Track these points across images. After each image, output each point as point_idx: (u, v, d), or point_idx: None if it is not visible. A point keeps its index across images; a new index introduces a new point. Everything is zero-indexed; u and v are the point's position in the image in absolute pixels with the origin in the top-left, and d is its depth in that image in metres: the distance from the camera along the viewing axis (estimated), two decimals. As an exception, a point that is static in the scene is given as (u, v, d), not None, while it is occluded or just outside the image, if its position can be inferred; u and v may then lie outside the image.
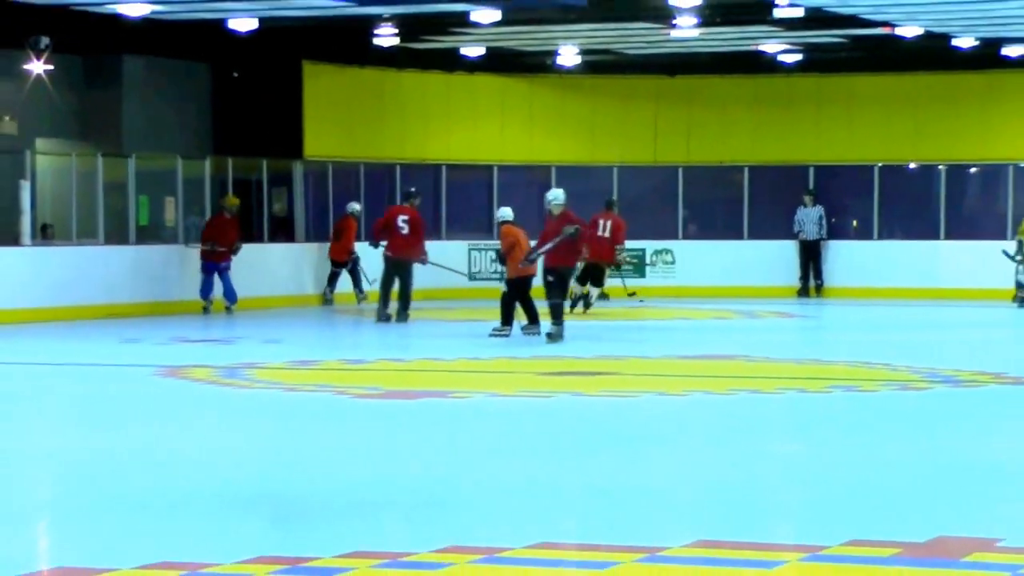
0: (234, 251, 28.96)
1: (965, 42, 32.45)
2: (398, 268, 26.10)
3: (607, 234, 29.39)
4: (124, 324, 26.08)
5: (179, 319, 27.28)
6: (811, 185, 35.90)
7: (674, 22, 29.03)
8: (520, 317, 23.35)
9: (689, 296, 34.60)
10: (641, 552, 8.79)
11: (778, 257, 35.36)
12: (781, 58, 34.73)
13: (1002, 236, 33.69)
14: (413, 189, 27.57)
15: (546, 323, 22.88)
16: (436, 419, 15.33)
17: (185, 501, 10.60)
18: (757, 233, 36.04)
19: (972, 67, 35.09)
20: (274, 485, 11.29)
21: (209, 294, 28.85)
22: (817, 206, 35.37)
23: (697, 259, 35.86)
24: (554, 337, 22.44)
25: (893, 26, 30.56)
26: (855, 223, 36.82)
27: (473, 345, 22.71)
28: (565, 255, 23.04)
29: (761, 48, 33.85)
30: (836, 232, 36.21)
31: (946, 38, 32.01)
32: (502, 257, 24.24)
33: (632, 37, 32.60)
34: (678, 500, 10.82)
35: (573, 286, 28.44)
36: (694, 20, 28.70)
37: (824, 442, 13.58)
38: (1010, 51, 33.58)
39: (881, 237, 35.88)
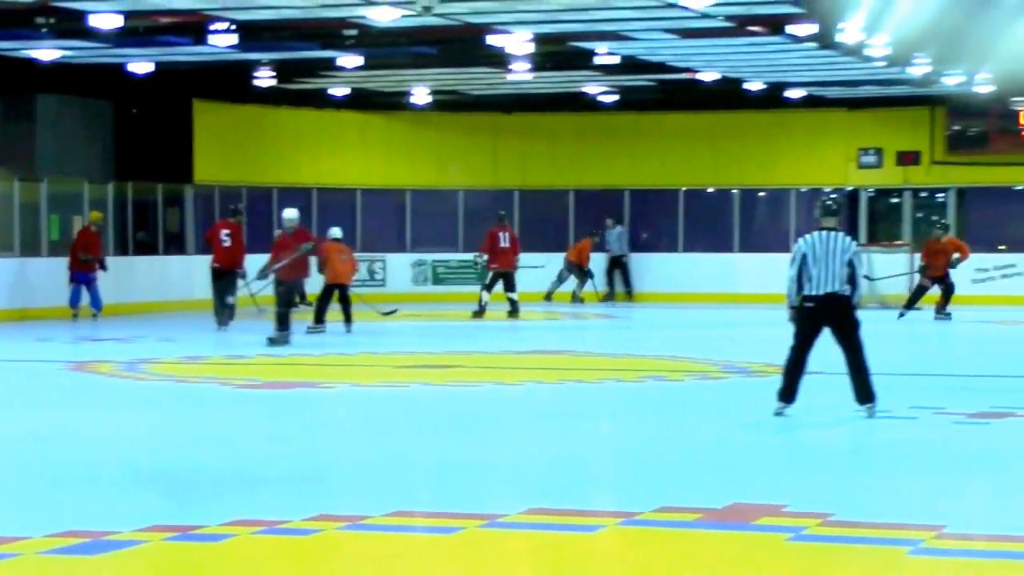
0: (102, 265, 27.29)
1: (755, 85, 32.82)
2: (221, 277, 24.66)
3: (508, 244, 29.03)
4: (38, 326, 25.69)
5: (82, 322, 26.89)
6: (627, 206, 36.14)
7: (510, 67, 29.08)
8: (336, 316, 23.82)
9: (525, 300, 34.62)
10: (483, 519, 8.79)
11: (597, 267, 35.49)
12: (601, 98, 34.91)
13: (786, 249, 34.06)
14: (235, 207, 26.04)
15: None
16: (308, 406, 15.26)
17: (90, 477, 10.47)
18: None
19: (761, 107, 35.48)
20: (168, 463, 11.17)
21: (78, 303, 27.23)
22: (619, 227, 35.57)
23: (531, 269, 35.90)
24: (276, 341, 21.58)
25: (695, 71, 30.85)
26: (664, 238, 37.11)
27: (338, 343, 22.61)
28: (296, 269, 22.63)
29: (584, 90, 34.03)
30: (647, 246, 36.49)
31: (739, 82, 32.35)
32: (319, 266, 24.35)
33: (474, 80, 32.63)
34: (514, 474, 10.83)
35: (481, 294, 28.24)
36: (527, 65, 28.76)
37: (638, 423, 13.65)
38: (792, 93, 33.99)
39: (685, 250, 36.18)
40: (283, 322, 21.89)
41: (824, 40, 25.23)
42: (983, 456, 11.52)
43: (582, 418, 14.13)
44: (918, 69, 29.04)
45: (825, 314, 13.15)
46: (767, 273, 33.67)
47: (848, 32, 23.85)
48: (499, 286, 28.74)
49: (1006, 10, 20.19)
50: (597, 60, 28.24)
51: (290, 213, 22.96)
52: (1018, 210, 34.75)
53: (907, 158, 35.36)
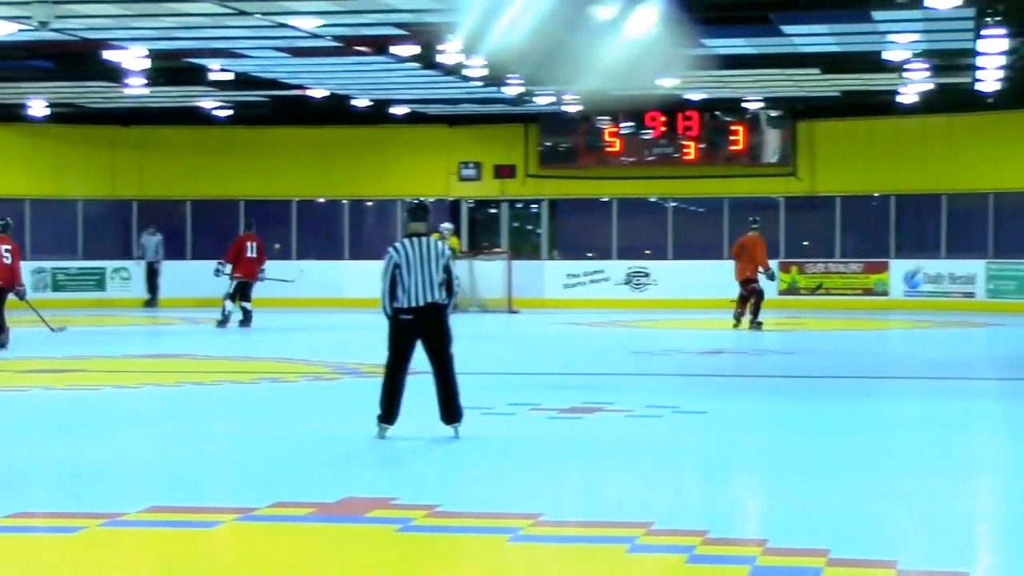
0: None
1: (361, 102, 32.97)
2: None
3: (255, 254, 27.57)
4: None
5: None
6: (241, 216, 35.83)
7: (126, 81, 28.50)
8: None
9: (139, 307, 34.07)
10: (103, 518, 8.58)
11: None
12: (216, 112, 34.54)
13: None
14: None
15: None
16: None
17: None
18: (199, 255, 35.85)
19: (367, 122, 35.66)
20: None
21: None
22: (157, 234, 35.13)
23: (140, 277, 35.36)
24: None
25: (305, 88, 30.80)
26: (277, 246, 36.87)
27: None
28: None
29: (200, 104, 33.61)
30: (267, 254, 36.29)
31: (347, 98, 32.45)
32: None
33: (91, 93, 31.86)
34: (133, 473, 10.60)
35: (225, 303, 26.87)
36: (143, 80, 28.24)
37: (253, 423, 13.52)
38: (396, 110, 34.27)
39: (299, 258, 36.06)
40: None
41: (425, 61, 25.53)
42: (576, 449, 11.80)
43: (199, 419, 13.92)
44: (512, 89, 29.68)
45: (421, 325, 11.89)
46: (375, 279, 33.92)
47: (448, 54, 24.21)
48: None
49: (591, 36, 20.78)
50: (211, 76, 27.96)
51: None
52: (604, 220, 35.80)
53: (504, 171, 36.07)
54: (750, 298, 26.46)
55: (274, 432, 12.77)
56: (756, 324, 26.19)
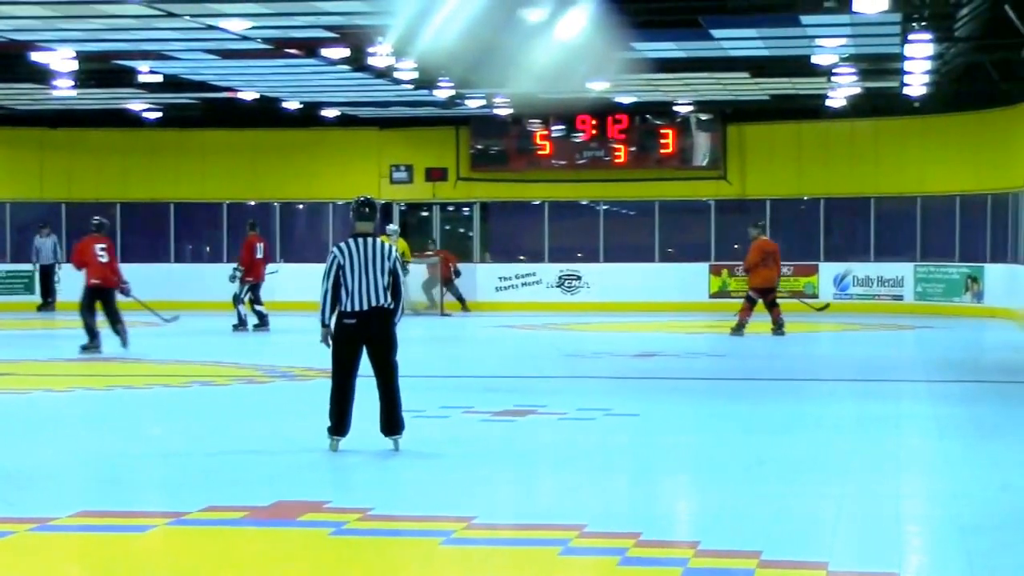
0: None
1: (292, 104, 32.87)
2: None
3: (262, 255, 26.69)
4: None
5: None
6: (172, 219, 35.69)
7: (54, 83, 28.27)
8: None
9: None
10: (33, 523, 8.50)
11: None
12: (146, 115, 34.34)
13: (324, 259, 34.35)
14: None
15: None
16: None
17: None
18: (128, 258, 35.63)
19: (298, 125, 35.54)
20: None
21: None
22: (51, 236, 34.78)
23: (80, 278, 34.98)
24: None
25: (235, 90, 30.67)
26: (207, 248, 36.75)
27: None
28: None
29: (129, 106, 33.40)
30: (197, 256, 36.17)
31: (278, 101, 32.34)
32: None
33: (19, 95, 31.57)
34: (65, 477, 10.52)
35: (239, 307, 26.14)
36: (71, 82, 28.02)
37: (186, 427, 13.43)
38: (327, 112, 34.19)
39: (229, 261, 35.86)
40: None
41: (356, 63, 25.48)
42: (509, 451, 11.82)
43: (130, 422, 13.82)
44: (443, 92, 29.66)
45: (365, 331, 11.26)
46: (305, 282, 33.84)
47: (378, 57, 24.17)
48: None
49: (522, 38, 20.81)
50: (141, 78, 27.78)
51: None
52: (536, 223, 35.83)
53: (435, 174, 36.04)
54: (775, 306, 25.43)
55: (206, 436, 12.70)
56: (782, 330, 25.27)
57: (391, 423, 11.46)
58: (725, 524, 8.67)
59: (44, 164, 36.21)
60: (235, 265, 26.55)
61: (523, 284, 35.32)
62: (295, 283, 34.09)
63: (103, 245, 21.69)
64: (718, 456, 11.62)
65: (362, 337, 11.30)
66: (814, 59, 26.05)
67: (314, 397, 13.38)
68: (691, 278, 34.62)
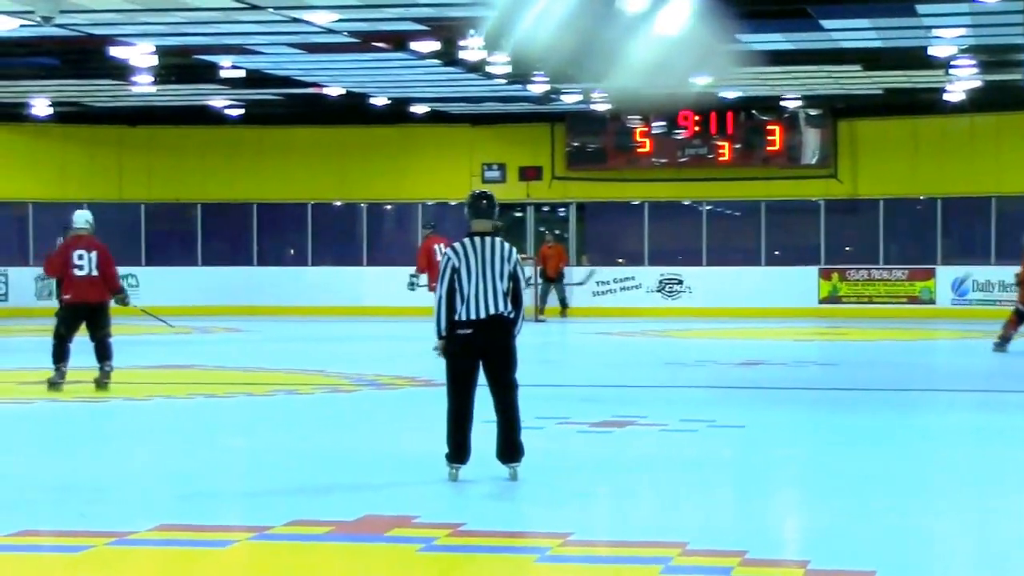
0: None
1: (380, 100, 33.02)
2: None
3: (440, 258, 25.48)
4: None
5: None
6: (255, 220, 36.02)
7: (134, 79, 28.59)
8: None
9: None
10: (111, 536, 8.59)
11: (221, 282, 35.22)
12: (227, 112, 34.63)
13: (413, 263, 34.52)
14: None
15: None
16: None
17: None
18: (209, 260, 36.04)
19: (386, 122, 35.71)
20: None
21: None
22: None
23: (160, 282, 35.36)
24: None
25: (320, 86, 30.86)
26: (292, 251, 37.04)
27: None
28: None
29: (210, 103, 33.70)
30: (279, 259, 36.48)
31: (364, 97, 32.50)
32: None
33: (97, 91, 31.96)
34: (143, 489, 10.62)
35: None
36: (151, 78, 28.31)
37: (269, 437, 13.53)
38: (416, 109, 34.31)
39: (314, 264, 36.16)
40: None
41: (447, 57, 25.56)
42: (606, 464, 11.79)
43: (211, 432, 13.94)
44: (537, 87, 29.70)
45: (482, 343, 10.51)
46: (394, 287, 34.07)
47: (470, 50, 24.22)
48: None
49: (619, 32, 20.78)
50: (222, 73, 28.02)
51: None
52: (635, 224, 35.78)
53: (529, 173, 36.09)
54: None
55: (290, 447, 12.78)
56: (1004, 345, 23.35)
57: (509, 449, 10.69)
58: (835, 542, 8.60)
59: (123, 163, 36.63)
60: (411, 272, 25.72)
61: (622, 288, 35.28)
62: (383, 287, 34.29)
63: (81, 251, 17.43)
64: (827, 470, 11.54)
65: (478, 349, 10.53)
66: (931, 50, 25.82)
67: (402, 406, 13.45)
68: (799, 282, 34.44)
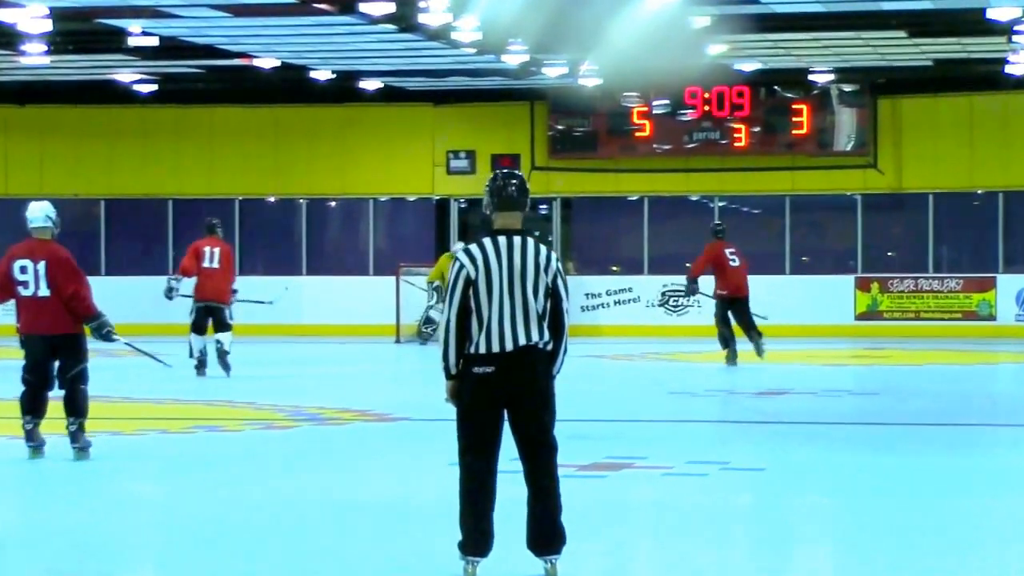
0: None
1: (322, 75, 33.02)
2: None
3: (216, 264, 25.58)
4: None
5: None
6: (170, 218, 35.97)
7: (23, 48, 28.55)
8: None
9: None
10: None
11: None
12: (137, 88, 34.61)
13: (364, 271, 34.55)
14: None
15: None
16: None
17: None
18: (114, 268, 35.89)
19: (330, 100, 35.72)
20: None
21: None
22: None
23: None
24: None
25: (251, 57, 30.86)
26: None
27: None
28: None
29: (116, 77, 33.68)
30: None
31: (304, 70, 32.51)
32: None
33: (-22, 64, 31.97)
34: (30, 549, 10.60)
35: None
36: (43, 47, 28.28)
37: (187, 484, 13.48)
38: (367, 84, 34.31)
39: (243, 272, 36.08)
40: None
41: (403, 22, 25.56)
42: (599, 514, 11.79)
43: (116, 477, 13.87)
44: (514, 58, 29.68)
45: (510, 386, 9.04)
46: (340, 301, 34.03)
47: (432, 13, 24.21)
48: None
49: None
50: (131, 41, 27.99)
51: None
52: (631, 224, 35.82)
53: (504, 163, 36.08)
54: None
55: (212, 496, 12.75)
56: None
57: (548, 534, 9.21)
58: (875, 610, 8.63)
59: (8, 150, 36.59)
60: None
61: (616, 302, 35.33)
62: (325, 301, 34.27)
63: (24, 262, 15.47)
64: (864, 522, 11.56)
65: (503, 394, 9.05)
66: (990, 13, 25.92)
67: (352, 446, 13.42)
68: (832, 294, 34.53)
